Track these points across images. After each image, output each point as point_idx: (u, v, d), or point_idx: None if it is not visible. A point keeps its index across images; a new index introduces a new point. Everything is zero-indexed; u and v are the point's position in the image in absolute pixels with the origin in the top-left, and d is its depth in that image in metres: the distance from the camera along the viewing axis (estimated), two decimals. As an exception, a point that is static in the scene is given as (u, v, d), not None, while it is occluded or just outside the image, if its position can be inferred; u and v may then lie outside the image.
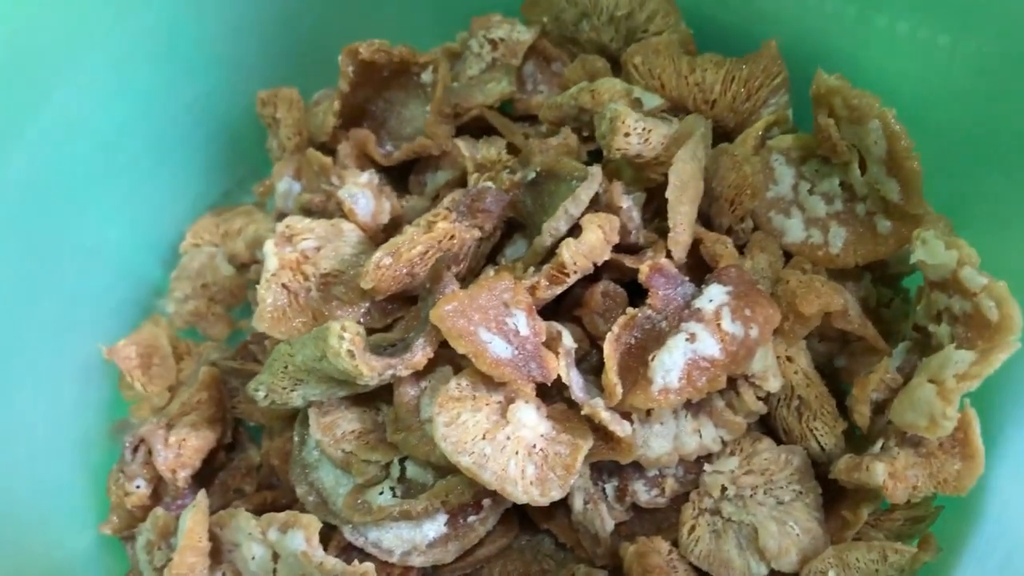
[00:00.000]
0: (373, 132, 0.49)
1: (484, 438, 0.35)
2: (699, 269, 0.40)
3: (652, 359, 0.36)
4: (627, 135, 0.39)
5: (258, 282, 0.50)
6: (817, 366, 0.40)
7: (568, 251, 0.37)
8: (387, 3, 0.55)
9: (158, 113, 0.50)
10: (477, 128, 0.50)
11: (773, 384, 0.38)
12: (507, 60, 0.51)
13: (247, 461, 0.45)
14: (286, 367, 0.38)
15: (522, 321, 0.37)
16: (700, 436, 0.38)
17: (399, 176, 0.49)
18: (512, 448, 0.35)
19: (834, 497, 0.40)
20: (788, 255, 0.42)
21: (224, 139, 0.54)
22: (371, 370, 0.35)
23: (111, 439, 0.48)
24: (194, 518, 0.37)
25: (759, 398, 0.38)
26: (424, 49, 0.50)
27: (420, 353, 0.37)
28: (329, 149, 0.49)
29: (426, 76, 0.48)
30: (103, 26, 0.45)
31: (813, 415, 0.39)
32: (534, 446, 0.35)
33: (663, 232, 0.41)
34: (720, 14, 0.50)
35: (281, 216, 0.51)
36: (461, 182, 0.47)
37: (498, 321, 0.36)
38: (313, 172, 0.48)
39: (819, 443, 0.39)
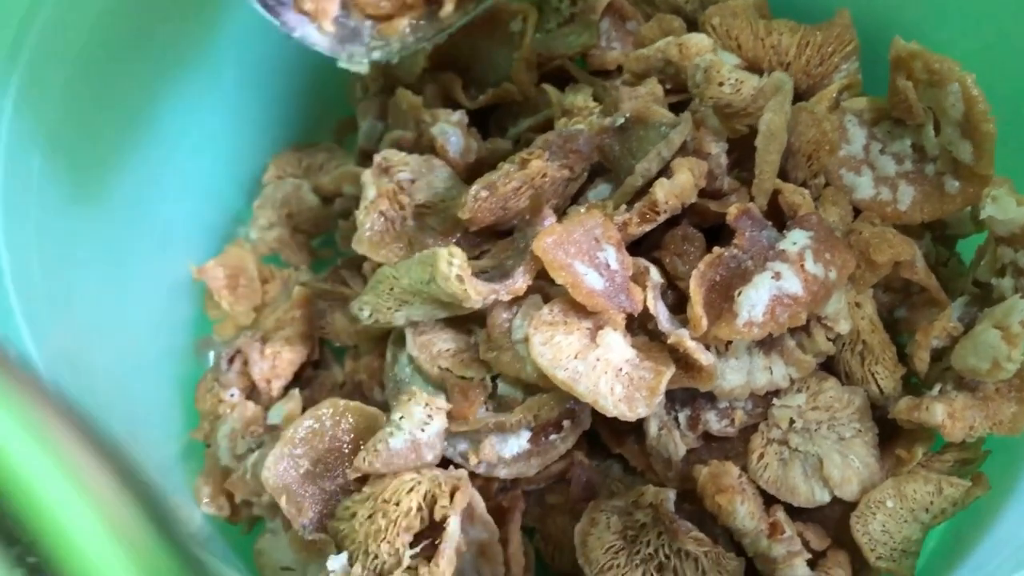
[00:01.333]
0: (458, 76, 0.51)
1: (576, 357, 0.37)
2: (774, 218, 0.43)
3: (738, 294, 0.38)
4: (721, 84, 0.41)
5: (342, 215, 0.53)
6: (879, 315, 0.43)
7: (661, 190, 0.39)
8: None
9: (249, 51, 0.52)
10: (555, 78, 0.52)
11: (844, 326, 0.40)
12: (586, 16, 0.54)
13: (331, 378, 0.47)
14: (391, 289, 0.40)
15: (612, 256, 0.40)
16: (771, 372, 0.41)
17: (480, 120, 0.52)
18: (602, 368, 0.37)
19: (889, 437, 0.43)
20: (856, 211, 0.44)
21: (302, 79, 0.57)
22: (478, 294, 0.38)
23: (196, 354, 0.50)
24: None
25: (828, 339, 0.41)
26: (498, -1, 0.52)
27: (520, 280, 0.39)
28: (415, 91, 0.51)
29: (514, 25, 0.50)
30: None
31: (875, 359, 0.42)
32: (620, 369, 0.38)
33: (743, 181, 0.44)
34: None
35: (364, 153, 0.54)
36: (543, 127, 0.50)
37: (591, 255, 0.39)
38: (401, 111, 0.50)
39: (879, 386, 0.42)
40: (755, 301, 0.38)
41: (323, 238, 0.55)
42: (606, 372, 0.37)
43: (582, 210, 0.42)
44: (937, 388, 0.41)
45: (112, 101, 0.44)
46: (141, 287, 0.48)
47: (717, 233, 0.43)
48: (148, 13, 0.45)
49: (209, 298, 0.51)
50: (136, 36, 0.44)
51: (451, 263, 0.38)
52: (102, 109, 0.43)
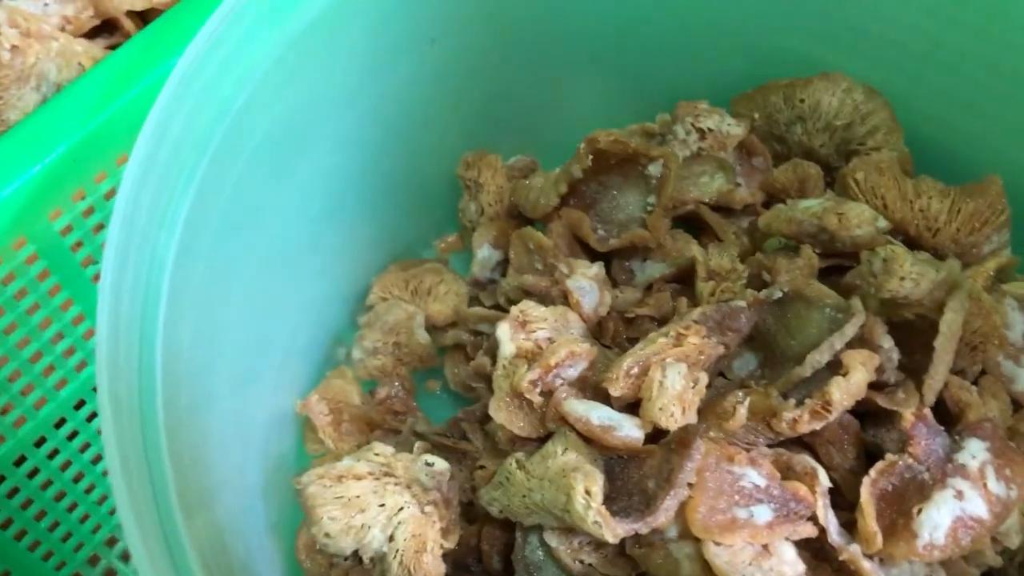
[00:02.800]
0: (586, 215, 0.49)
1: (751, 564, 0.35)
2: (936, 411, 0.40)
3: (918, 512, 0.36)
4: (902, 279, 0.39)
5: (450, 348, 0.50)
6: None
7: (838, 391, 0.37)
8: (586, 78, 0.55)
9: (370, 167, 0.50)
10: (684, 221, 0.50)
11: (1014, 540, 0.38)
12: (714, 152, 0.52)
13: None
14: (524, 497, 0.38)
15: (753, 475, 0.37)
16: (934, 584, 0.39)
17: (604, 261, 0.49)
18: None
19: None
20: (1015, 403, 0.42)
21: (412, 196, 0.54)
22: (616, 537, 0.35)
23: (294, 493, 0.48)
24: None
25: (997, 553, 0.39)
26: (619, 126, 0.50)
27: (663, 516, 0.36)
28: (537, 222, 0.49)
29: (652, 168, 0.47)
30: (352, 89, 0.45)
31: (1041, 570, 0.40)
32: (792, 581, 0.36)
33: (902, 367, 0.41)
34: (939, 136, 0.50)
35: (476, 282, 0.51)
36: (676, 278, 0.48)
37: (739, 492, 0.37)
38: (525, 249, 0.48)
39: (1038, 599, 0.40)
40: (937, 522, 0.36)
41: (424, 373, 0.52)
42: (782, 587, 0.35)
43: (743, 405, 0.39)
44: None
45: (251, 241, 0.41)
46: (252, 423, 0.45)
47: (867, 415, 0.41)
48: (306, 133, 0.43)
49: (309, 431, 0.48)
50: (276, 158, 0.42)
51: (589, 505, 0.35)
52: (241, 252, 0.41)
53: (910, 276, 0.39)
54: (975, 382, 0.42)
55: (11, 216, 0.38)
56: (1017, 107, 0.47)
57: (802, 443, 0.41)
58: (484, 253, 0.51)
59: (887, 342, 0.39)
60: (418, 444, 0.43)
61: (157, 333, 0.35)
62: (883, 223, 0.45)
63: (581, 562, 0.39)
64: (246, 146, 0.39)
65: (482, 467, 0.43)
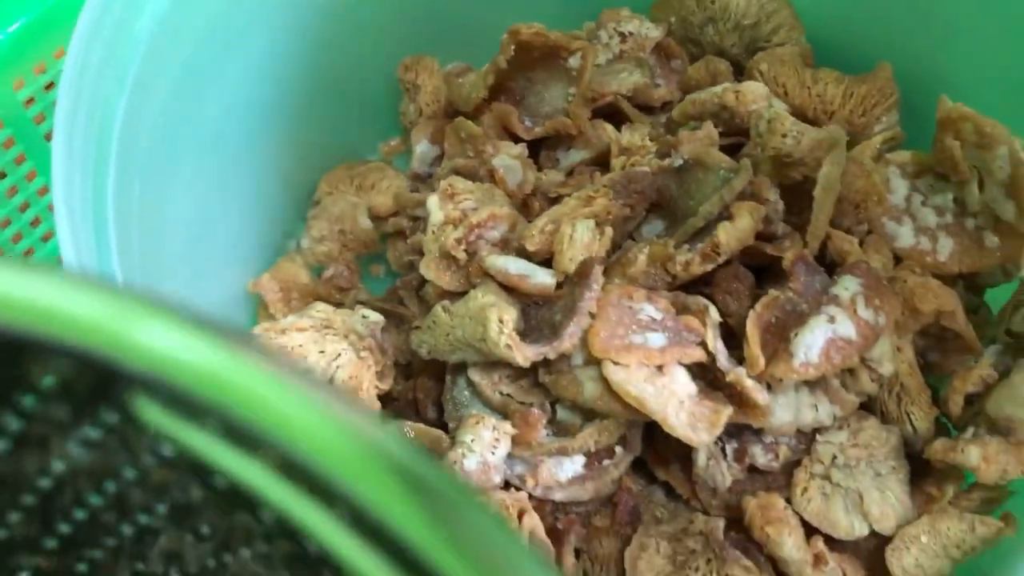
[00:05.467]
0: (514, 107, 0.53)
1: (645, 381, 0.39)
2: (822, 262, 0.45)
3: (795, 336, 0.40)
4: (784, 136, 0.43)
5: (392, 235, 0.54)
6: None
7: (724, 233, 0.42)
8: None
9: (310, 71, 0.54)
10: (605, 113, 0.54)
11: (887, 368, 0.43)
12: (635, 53, 0.56)
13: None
14: (448, 335, 0.43)
15: (650, 308, 0.42)
16: (816, 410, 0.43)
17: (531, 151, 0.53)
18: (668, 395, 0.39)
19: (918, 475, 0.45)
20: (897, 259, 0.47)
21: (355, 100, 0.58)
22: (525, 360, 0.40)
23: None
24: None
25: (872, 380, 0.43)
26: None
27: (568, 342, 0.41)
28: (472, 119, 0.53)
29: (573, 61, 0.52)
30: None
31: (911, 401, 0.44)
32: (683, 402, 0.40)
33: (793, 225, 0.46)
34: (837, 34, 0.55)
35: (415, 176, 0.56)
36: (595, 161, 0.52)
37: (636, 321, 0.41)
38: (458, 139, 0.52)
39: (913, 426, 0.44)
40: (810, 343, 0.40)
41: (367, 258, 0.56)
42: (673, 400, 0.39)
43: (639, 252, 0.44)
44: (970, 431, 0.43)
45: (196, 123, 0.45)
46: (205, 301, 0.49)
47: (764, 272, 0.46)
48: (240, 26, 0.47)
49: (262, 309, 0.52)
50: (218, 62, 0.46)
51: (501, 331, 0.40)
52: (187, 132, 0.44)
53: (791, 133, 0.44)
54: (861, 242, 0.47)
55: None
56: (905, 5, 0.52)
57: (702, 295, 0.45)
58: (422, 148, 0.55)
59: (773, 195, 0.44)
60: (357, 304, 0.47)
61: (108, 191, 0.39)
62: (779, 103, 0.49)
63: (501, 393, 0.43)
64: (194, 26, 0.43)
65: (417, 327, 0.47)
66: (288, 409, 0.13)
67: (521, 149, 0.50)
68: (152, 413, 0.13)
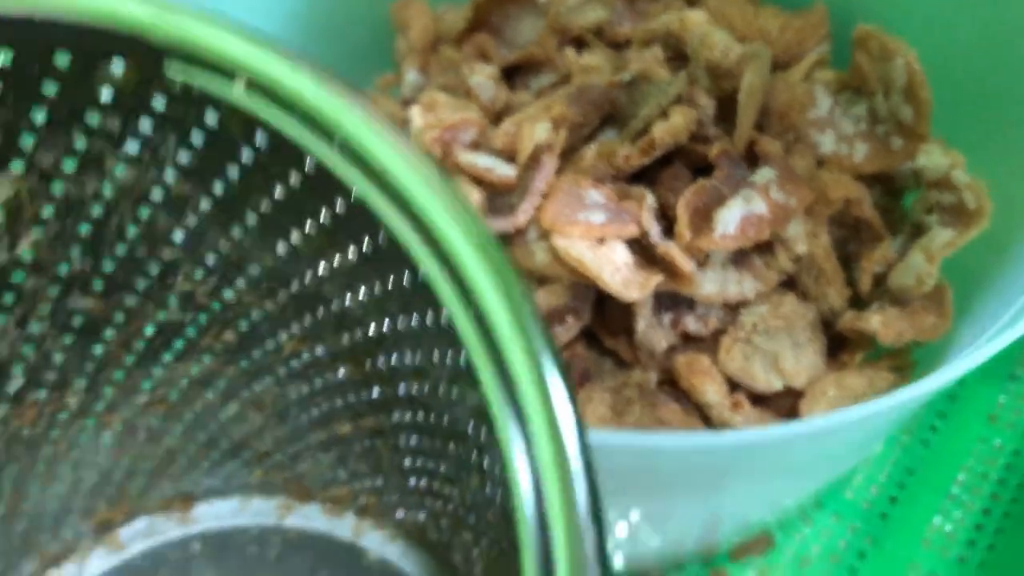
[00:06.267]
0: (491, 37, 0.60)
1: (587, 248, 0.47)
2: (750, 163, 0.52)
3: (716, 213, 0.47)
4: (713, 49, 0.51)
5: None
6: (833, 247, 0.52)
7: (658, 129, 0.49)
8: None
9: (313, 13, 0.61)
10: (573, 46, 0.62)
11: (801, 247, 0.50)
12: (601, -5, 0.63)
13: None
14: None
15: (596, 194, 0.49)
16: (741, 285, 0.50)
17: (507, 77, 0.61)
18: (606, 260, 0.47)
19: (835, 349, 0.52)
20: (820, 165, 0.54)
21: (352, 40, 0.66)
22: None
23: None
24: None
25: (789, 259, 0.50)
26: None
27: (522, 217, 0.48)
28: (454, 48, 0.61)
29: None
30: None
31: (827, 281, 0.51)
32: (618, 268, 0.47)
33: (727, 132, 0.53)
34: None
35: (406, 101, 0.63)
36: (562, 83, 0.59)
37: (582, 204, 0.48)
38: (442, 65, 0.59)
39: (829, 304, 0.51)
40: (728, 219, 0.47)
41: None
42: (609, 264, 0.47)
43: (592, 150, 0.51)
44: (875, 306, 0.50)
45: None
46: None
47: (700, 174, 0.53)
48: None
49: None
50: None
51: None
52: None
53: (719, 47, 0.51)
54: (788, 149, 0.54)
55: None
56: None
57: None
58: (411, 77, 0.62)
59: (703, 99, 0.51)
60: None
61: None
62: (721, 31, 0.56)
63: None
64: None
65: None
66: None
67: (494, 69, 0.57)
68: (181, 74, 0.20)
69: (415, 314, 0.23)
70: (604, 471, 0.39)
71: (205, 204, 0.25)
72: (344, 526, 0.44)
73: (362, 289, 0.25)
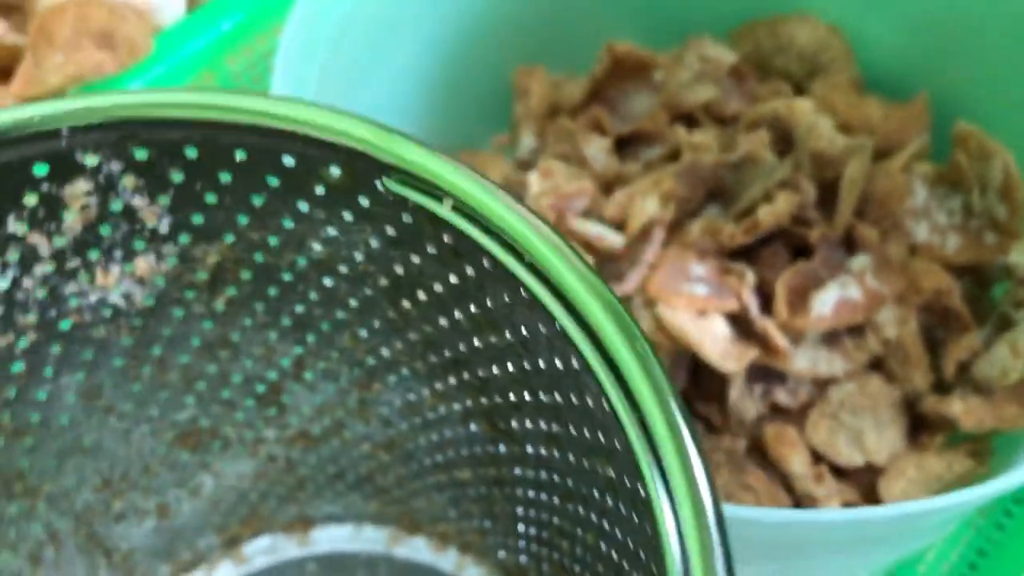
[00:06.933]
0: (605, 110, 0.64)
1: (689, 320, 0.50)
2: (847, 248, 0.55)
3: (813, 295, 0.51)
4: (818, 138, 0.54)
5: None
6: (921, 334, 0.55)
7: (763, 211, 0.52)
8: (612, 16, 0.71)
9: (441, 73, 0.66)
10: (683, 122, 0.66)
11: (890, 331, 0.52)
12: (712, 73, 0.67)
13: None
14: None
15: (700, 269, 0.52)
16: (831, 364, 0.53)
17: (618, 148, 0.65)
18: (706, 331, 0.50)
19: (916, 431, 0.54)
20: (912, 252, 0.56)
21: (473, 100, 0.70)
22: None
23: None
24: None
25: (878, 342, 0.53)
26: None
27: (630, 285, 0.52)
28: (571, 118, 0.65)
29: (657, 75, 0.63)
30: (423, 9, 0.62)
31: (913, 365, 0.54)
32: (717, 339, 0.51)
33: (826, 217, 0.56)
34: (886, 66, 0.65)
35: (520, 163, 0.67)
36: (670, 158, 0.63)
37: (686, 276, 0.52)
38: (560, 133, 0.64)
39: (913, 386, 0.54)
40: (825, 302, 0.50)
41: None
42: (709, 335, 0.50)
43: (698, 226, 0.55)
44: (958, 392, 0.53)
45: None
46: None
47: (799, 256, 0.56)
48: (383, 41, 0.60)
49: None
50: (374, 64, 0.58)
51: None
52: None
53: (825, 137, 0.54)
54: (884, 236, 0.57)
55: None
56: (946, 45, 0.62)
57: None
58: (527, 141, 0.66)
59: (807, 185, 0.54)
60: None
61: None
62: (825, 119, 0.60)
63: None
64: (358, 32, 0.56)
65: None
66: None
67: (608, 142, 0.61)
68: (397, 187, 0.24)
69: (557, 393, 0.27)
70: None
71: (383, 281, 0.30)
72: (447, 560, 0.48)
73: (510, 365, 0.29)
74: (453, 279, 0.27)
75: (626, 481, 0.25)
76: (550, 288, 0.25)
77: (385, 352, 0.34)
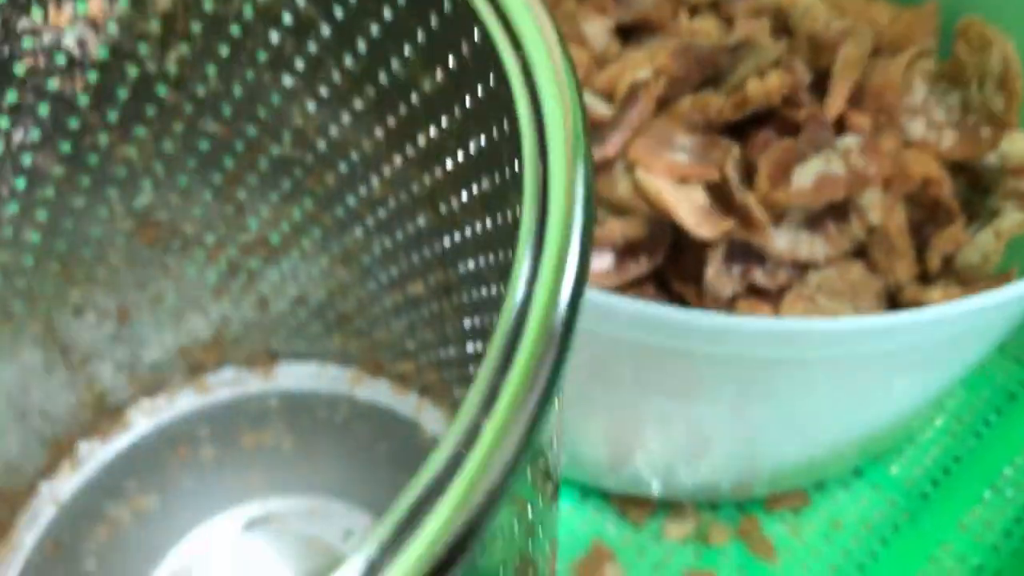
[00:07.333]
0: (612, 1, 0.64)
1: (669, 186, 0.50)
2: (838, 134, 0.54)
3: (795, 170, 0.50)
4: (814, 20, 0.53)
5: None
6: (908, 226, 0.54)
7: (753, 86, 0.51)
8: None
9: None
10: (688, 15, 0.65)
11: (875, 217, 0.52)
12: (721, -27, 0.66)
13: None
14: None
15: (684, 138, 0.52)
16: (812, 245, 0.52)
17: (624, 37, 0.64)
18: (684, 198, 0.50)
19: (896, 325, 0.54)
20: (906, 148, 0.56)
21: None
22: None
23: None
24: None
25: (861, 227, 0.52)
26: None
27: (610, 148, 0.52)
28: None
29: (665, -35, 0.62)
30: None
31: (897, 255, 0.53)
32: (695, 207, 0.50)
33: (819, 103, 0.55)
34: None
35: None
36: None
37: (670, 144, 0.51)
38: (564, 17, 0.63)
39: (896, 277, 0.53)
40: (806, 176, 0.50)
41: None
42: (687, 202, 0.50)
43: (688, 99, 0.54)
44: (940, 283, 0.52)
45: None
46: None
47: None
48: None
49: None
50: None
51: None
52: None
53: (821, 19, 0.53)
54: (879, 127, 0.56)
55: None
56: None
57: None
58: (532, 27, 0.66)
59: (801, 68, 0.53)
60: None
61: None
62: (824, 5, 0.59)
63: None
64: None
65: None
66: None
67: (609, 23, 0.60)
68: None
69: (484, 133, 0.27)
70: (644, 349, 0.42)
71: (325, 29, 0.29)
72: (407, 404, 0.48)
73: (444, 117, 0.29)
74: (388, 14, 0.27)
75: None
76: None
77: (333, 131, 0.34)
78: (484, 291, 0.35)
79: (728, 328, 0.41)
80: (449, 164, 0.31)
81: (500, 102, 0.25)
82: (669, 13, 0.62)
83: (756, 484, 0.55)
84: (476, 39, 0.25)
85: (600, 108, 0.53)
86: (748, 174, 0.54)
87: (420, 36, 0.27)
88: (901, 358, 0.45)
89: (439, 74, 0.28)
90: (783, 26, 0.59)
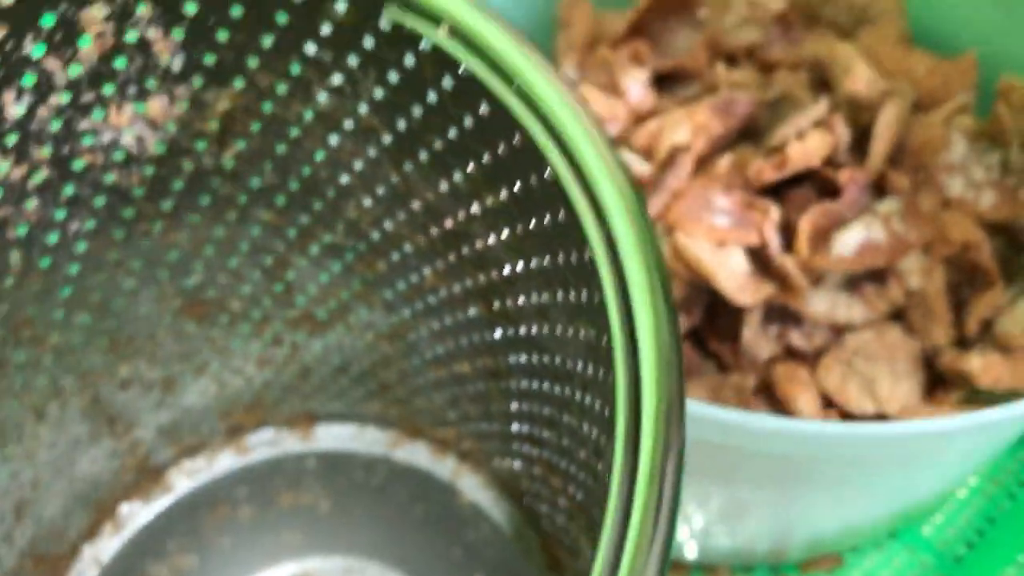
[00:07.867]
0: (647, 45, 0.64)
1: (708, 251, 0.50)
2: (878, 195, 0.54)
3: (835, 235, 0.50)
4: (856, 80, 0.53)
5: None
6: (947, 289, 0.54)
7: (794, 149, 0.51)
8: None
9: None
10: (724, 63, 0.65)
11: (914, 281, 0.52)
12: (759, 19, 0.66)
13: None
14: None
15: (723, 200, 0.52)
16: (849, 309, 0.52)
17: (657, 85, 0.64)
18: (723, 263, 0.50)
19: (933, 388, 0.54)
20: (945, 207, 0.55)
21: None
22: None
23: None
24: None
25: (900, 291, 0.52)
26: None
27: (651, 211, 0.52)
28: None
29: (701, 14, 0.62)
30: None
31: (935, 319, 0.53)
32: (734, 272, 0.50)
33: (859, 164, 0.55)
34: (937, 21, 0.64)
35: (558, 94, 0.67)
36: (708, 95, 0.62)
37: (709, 207, 0.51)
38: (599, 65, 0.63)
39: (933, 341, 0.53)
40: (847, 242, 0.50)
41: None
42: (726, 267, 0.49)
43: (726, 159, 0.54)
44: (978, 349, 0.52)
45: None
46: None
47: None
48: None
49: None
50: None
51: None
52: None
53: (863, 79, 0.53)
54: (917, 187, 0.56)
55: None
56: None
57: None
58: (567, 72, 0.66)
59: (841, 128, 0.53)
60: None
61: None
62: (865, 64, 0.58)
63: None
64: None
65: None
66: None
67: (645, 74, 0.60)
68: (397, 13, 0.24)
69: (549, 255, 0.27)
70: (690, 444, 0.42)
71: (387, 138, 0.30)
72: (445, 467, 0.48)
73: (506, 230, 0.29)
74: (453, 134, 0.27)
75: (603, 341, 0.25)
76: (551, 133, 0.24)
77: (388, 225, 0.34)
78: (535, 384, 0.35)
79: (780, 430, 0.41)
80: (507, 270, 0.31)
81: (568, 232, 0.25)
82: (705, 61, 0.62)
83: (792, 549, 0.55)
84: (545, 175, 0.25)
85: (641, 167, 0.53)
86: (787, 236, 0.54)
87: (486, 158, 0.27)
88: (957, 441, 0.45)
89: (503, 193, 0.28)
90: (823, 81, 0.58)
